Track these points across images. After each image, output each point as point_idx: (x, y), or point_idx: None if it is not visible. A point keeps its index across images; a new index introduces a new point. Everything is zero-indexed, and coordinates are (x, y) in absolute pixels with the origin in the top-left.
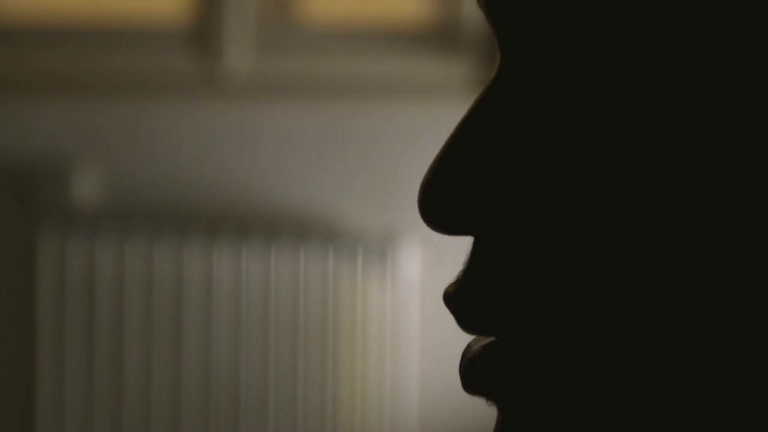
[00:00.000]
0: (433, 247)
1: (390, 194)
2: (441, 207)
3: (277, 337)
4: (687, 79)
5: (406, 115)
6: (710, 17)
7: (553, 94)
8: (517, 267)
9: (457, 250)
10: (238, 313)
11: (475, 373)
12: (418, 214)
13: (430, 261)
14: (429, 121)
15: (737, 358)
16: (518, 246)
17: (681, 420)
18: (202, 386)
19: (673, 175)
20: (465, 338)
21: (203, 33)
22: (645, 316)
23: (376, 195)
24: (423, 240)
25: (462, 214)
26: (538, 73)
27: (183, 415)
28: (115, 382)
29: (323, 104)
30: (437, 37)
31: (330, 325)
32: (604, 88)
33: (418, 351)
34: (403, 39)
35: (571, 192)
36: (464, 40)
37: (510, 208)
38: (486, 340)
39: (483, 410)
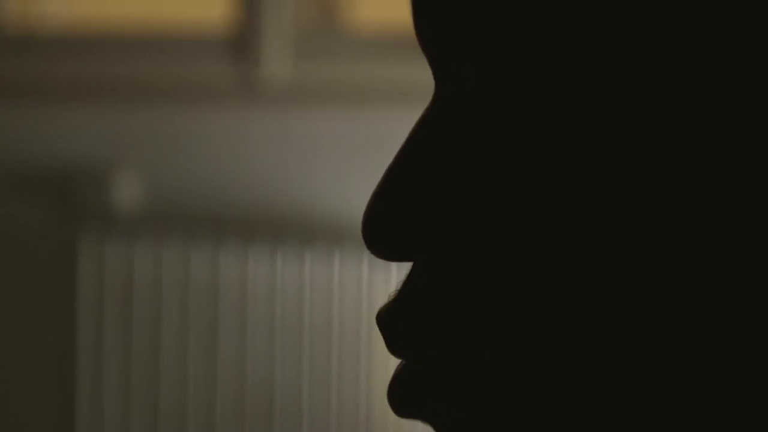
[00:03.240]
0: None
1: None
2: (382, 235)
3: (312, 341)
4: (628, 88)
5: None
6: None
7: (490, 120)
8: (450, 292)
9: None
10: (273, 317)
11: (402, 398)
12: None
13: None
14: None
15: (695, 357)
16: (454, 271)
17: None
18: (237, 390)
19: (622, 199)
20: None
21: (242, 40)
22: (583, 338)
23: None
24: None
25: (402, 241)
26: (474, 101)
27: (218, 420)
28: (152, 385)
29: (360, 111)
30: None
31: (364, 330)
32: (541, 110)
33: None
34: None
35: (506, 215)
36: None
37: (448, 234)
38: (403, 363)
39: None
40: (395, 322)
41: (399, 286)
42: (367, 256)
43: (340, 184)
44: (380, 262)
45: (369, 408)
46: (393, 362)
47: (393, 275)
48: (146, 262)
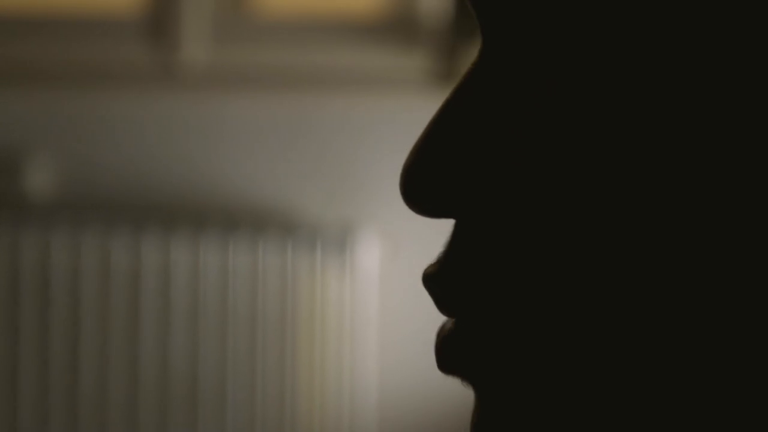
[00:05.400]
0: (391, 239)
1: (348, 186)
2: (423, 189)
3: (235, 329)
4: (673, 72)
5: (365, 107)
6: (699, 12)
7: (536, 79)
8: (498, 250)
9: (416, 241)
10: (196, 305)
11: (449, 353)
12: (377, 206)
13: (389, 253)
14: (387, 112)
15: (726, 352)
16: (501, 229)
17: (659, 400)
18: (159, 379)
19: (659, 163)
20: (424, 330)
21: (159, 23)
22: (628, 302)
23: (334, 187)
24: (382, 232)
25: (444, 196)
26: (522, 58)
27: (140, 408)
28: (70, 376)
29: (281, 96)
30: (394, 29)
31: (289, 318)
32: (586, 76)
33: (376, 343)
34: (359, 31)
35: (553, 177)
36: (421, 32)
37: (493, 191)
38: (458, 320)
39: (442, 401)
40: (445, 280)
41: (445, 246)
42: (291, 242)
43: (261, 169)
44: (304, 249)
45: (293, 395)
46: (317, 352)
47: (317, 261)
48: (63, 251)
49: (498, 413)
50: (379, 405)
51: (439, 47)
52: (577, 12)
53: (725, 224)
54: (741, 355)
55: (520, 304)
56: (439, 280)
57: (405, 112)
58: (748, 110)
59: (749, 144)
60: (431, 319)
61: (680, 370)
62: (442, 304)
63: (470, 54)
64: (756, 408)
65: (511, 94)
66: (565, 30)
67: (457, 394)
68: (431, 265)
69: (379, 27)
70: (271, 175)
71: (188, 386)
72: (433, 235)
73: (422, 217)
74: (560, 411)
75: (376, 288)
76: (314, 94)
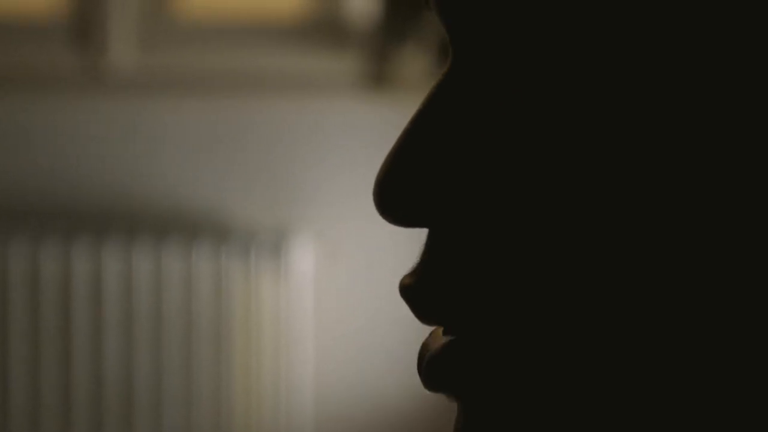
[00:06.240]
0: (326, 243)
1: (282, 190)
2: (398, 200)
3: (170, 336)
4: (644, 76)
5: (297, 111)
6: (674, 12)
7: (508, 87)
8: (478, 259)
9: (350, 245)
10: (129, 313)
11: (437, 370)
12: (310, 210)
13: (324, 257)
14: (320, 116)
15: (700, 355)
16: (478, 238)
17: (648, 414)
18: (93, 388)
19: (630, 169)
20: (360, 334)
21: (85, 26)
22: (616, 311)
23: (267, 191)
24: (316, 236)
25: (419, 206)
26: (492, 66)
27: (74, 417)
28: (2, 386)
29: (211, 100)
30: (321, 31)
31: (224, 323)
32: (557, 83)
33: (312, 346)
34: (286, 33)
35: (528, 183)
36: (349, 34)
37: (468, 200)
38: (446, 339)
39: (377, 405)
40: (424, 291)
41: (420, 255)
42: (225, 247)
43: (192, 174)
44: (238, 254)
45: (229, 401)
46: (253, 356)
47: (252, 266)
48: None
49: (488, 427)
50: (315, 409)
51: (370, 49)
52: (547, 19)
53: (726, 225)
54: (740, 354)
55: (506, 316)
56: (418, 291)
57: (339, 116)
58: (748, 111)
59: (749, 144)
60: (366, 322)
61: (675, 380)
62: (422, 314)
63: (402, 56)
64: (756, 408)
65: (483, 102)
66: (534, 38)
67: (392, 397)
68: (407, 276)
69: (305, 29)
70: (203, 181)
71: (123, 394)
72: (368, 239)
73: (356, 221)
74: (552, 424)
75: (311, 292)
76: (245, 98)
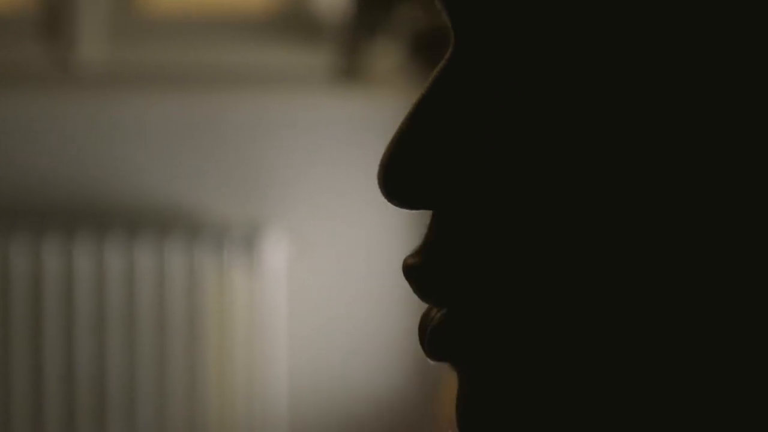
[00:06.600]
0: (299, 237)
1: (254, 185)
2: (402, 182)
3: (143, 332)
4: (645, 67)
5: (269, 105)
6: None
7: (511, 70)
8: (482, 240)
9: (323, 240)
10: (102, 309)
11: (440, 340)
12: (283, 205)
13: (296, 251)
14: (292, 110)
15: (711, 345)
16: (483, 219)
17: (649, 392)
18: (65, 385)
19: (636, 151)
20: (332, 329)
21: (55, 21)
22: (613, 289)
23: (239, 186)
24: (289, 230)
25: (424, 188)
26: (496, 50)
27: (47, 415)
28: None
29: (183, 95)
30: (290, 25)
31: (197, 319)
32: (560, 68)
33: (285, 341)
34: (257, 28)
35: (531, 165)
36: (320, 28)
37: (473, 181)
38: (444, 310)
39: (352, 398)
40: (429, 271)
41: (424, 236)
42: (197, 242)
43: (163, 169)
44: (210, 249)
45: (203, 397)
46: (227, 351)
47: (224, 261)
48: None
49: (488, 399)
50: (288, 403)
51: (341, 44)
52: (550, 7)
53: (726, 225)
54: (740, 354)
55: (508, 293)
56: (422, 271)
57: (311, 110)
58: (748, 111)
59: (749, 144)
60: (339, 317)
61: (665, 355)
62: (425, 294)
63: (373, 50)
64: (756, 408)
65: (487, 86)
66: (538, 21)
67: (365, 391)
68: (411, 256)
69: (276, 23)
70: (175, 176)
71: (95, 391)
72: (341, 234)
73: (329, 216)
74: (552, 397)
75: (284, 287)
76: (216, 93)
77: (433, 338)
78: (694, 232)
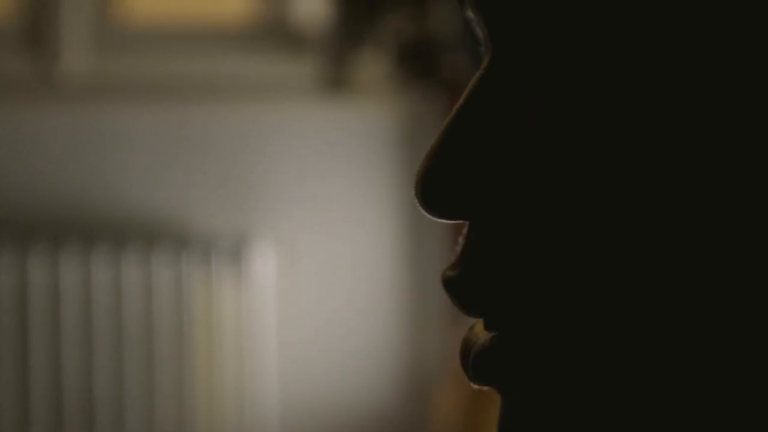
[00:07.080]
0: (287, 248)
1: (241, 196)
2: (440, 192)
3: (131, 343)
4: (682, 73)
5: (256, 116)
6: (707, 13)
7: (549, 82)
8: (520, 252)
9: (311, 250)
10: (89, 322)
11: (485, 364)
12: (271, 216)
13: (285, 263)
14: (279, 121)
15: (743, 355)
16: (521, 231)
17: (685, 412)
18: (53, 396)
19: (671, 166)
20: (320, 339)
21: (37, 33)
22: (650, 308)
23: (227, 197)
24: (277, 242)
25: (461, 199)
26: (533, 61)
27: (34, 426)
28: None
29: (168, 106)
30: (274, 36)
31: (185, 330)
32: (598, 78)
33: (274, 352)
34: (241, 38)
35: (568, 176)
36: (302, 39)
37: (511, 193)
38: (491, 333)
39: (341, 409)
40: (467, 282)
41: (461, 248)
42: (185, 254)
43: (150, 181)
44: (198, 261)
45: (192, 408)
46: (216, 363)
47: (212, 272)
48: None
49: (536, 425)
50: (278, 414)
51: (326, 54)
52: (587, 18)
53: (726, 225)
54: (742, 354)
55: (549, 310)
56: (462, 283)
57: (297, 121)
58: (748, 111)
59: (750, 144)
60: (327, 327)
61: (709, 376)
62: (465, 306)
63: (359, 60)
64: (757, 408)
65: (524, 98)
66: (576, 34)
67: (355, 400)
68: (449, 269)
69: (257, 34)
70: (162, 187)
71: (84, 403)
72: (328, 244)
73: (316, 226)
74: (600, 419)
75: (272, 298)
76: (201, 104)
77: (478, 363)
78: (723, 249)
